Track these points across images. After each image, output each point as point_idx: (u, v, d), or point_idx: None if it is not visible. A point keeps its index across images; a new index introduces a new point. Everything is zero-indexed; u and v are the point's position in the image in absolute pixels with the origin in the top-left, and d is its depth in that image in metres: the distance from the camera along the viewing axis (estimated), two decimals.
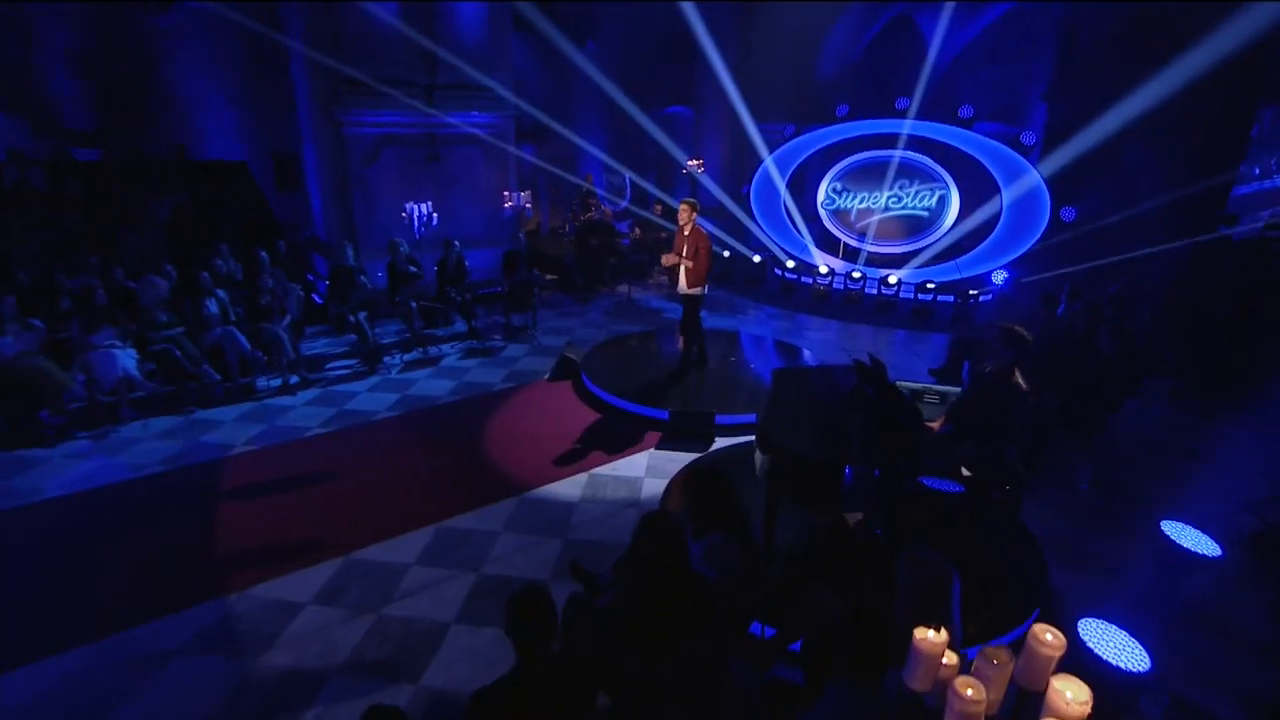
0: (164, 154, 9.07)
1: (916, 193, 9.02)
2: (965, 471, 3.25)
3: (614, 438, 4.97)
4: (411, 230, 8.34)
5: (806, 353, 6.38)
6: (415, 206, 8.31)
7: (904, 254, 9.18)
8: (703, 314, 5.78)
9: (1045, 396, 4.20)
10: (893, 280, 8.68)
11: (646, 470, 4.51)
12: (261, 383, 6.11)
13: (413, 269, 7.45)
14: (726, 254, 10.10)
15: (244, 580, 3.67)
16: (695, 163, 10.64)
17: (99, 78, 8.92)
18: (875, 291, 8.78)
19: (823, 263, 9.30)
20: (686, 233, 5.46)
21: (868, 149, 9.37)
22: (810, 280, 9.24)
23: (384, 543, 3.94)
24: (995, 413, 3.15)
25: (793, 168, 10.03)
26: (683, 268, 5.45)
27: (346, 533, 4.01)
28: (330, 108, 8.51)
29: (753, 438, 3.64)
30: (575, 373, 6.11)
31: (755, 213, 10.22)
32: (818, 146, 9.79)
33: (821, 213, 9.82)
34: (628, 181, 12.29)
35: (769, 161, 10.04)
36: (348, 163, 8.80)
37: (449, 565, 3.76)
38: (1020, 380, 3.23)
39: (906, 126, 8.89)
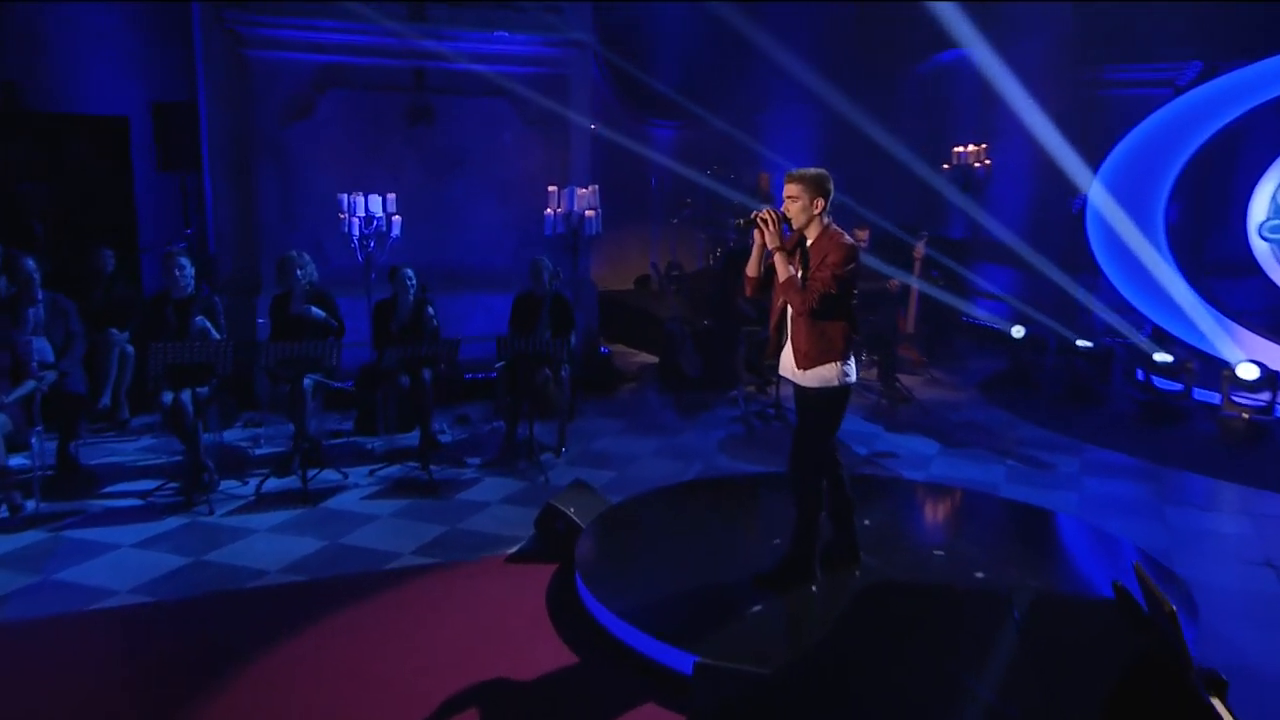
0: None
1: None
2: None
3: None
4: (350, 240, 8.44)
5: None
6: (358, 201, 8.37)
7: None
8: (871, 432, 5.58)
9: None
10: None
11: None
12: None
13: (314, 312, 7.44)
14: (1019, 333, 10.76)
15: None
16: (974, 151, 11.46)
17: None
18: None
19: (1250, 363, 9.31)
20: (806, 233, 5.06)
21: None
22: (1216, 398, 9.29)
23: None
24: None
25: (1189, 153, 10.49)
26: (787, 315, 5.14)
27: None
28: (224, 9, 8.90)
29: None
30: (566, 548, 5.95)
31: (1094, 247, 10.80)
32: (1253, 104, 10.13)
33: (1259, 247, 10.00)
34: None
35: (1136, 139, 10.69)
36: (253, 115, 9.26)
37: None
38: None
39: None
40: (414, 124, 9.65)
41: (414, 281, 7.78)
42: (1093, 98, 12.32)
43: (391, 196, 8.58)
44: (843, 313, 4.95)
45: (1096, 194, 10.84)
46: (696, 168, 13.09)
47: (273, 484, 7.06)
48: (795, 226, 4.97)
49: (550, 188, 9.20)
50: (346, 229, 8.43)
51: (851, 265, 4.84)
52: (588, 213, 9.14)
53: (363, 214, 8.41)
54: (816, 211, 4.92)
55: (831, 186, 5.00)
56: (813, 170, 5.01)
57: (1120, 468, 8.01)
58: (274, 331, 7.56)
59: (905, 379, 9.92)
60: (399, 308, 7.79)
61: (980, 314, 12.44)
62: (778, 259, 4.94)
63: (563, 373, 7.89)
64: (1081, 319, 10.95)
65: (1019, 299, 12.28)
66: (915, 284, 10.34)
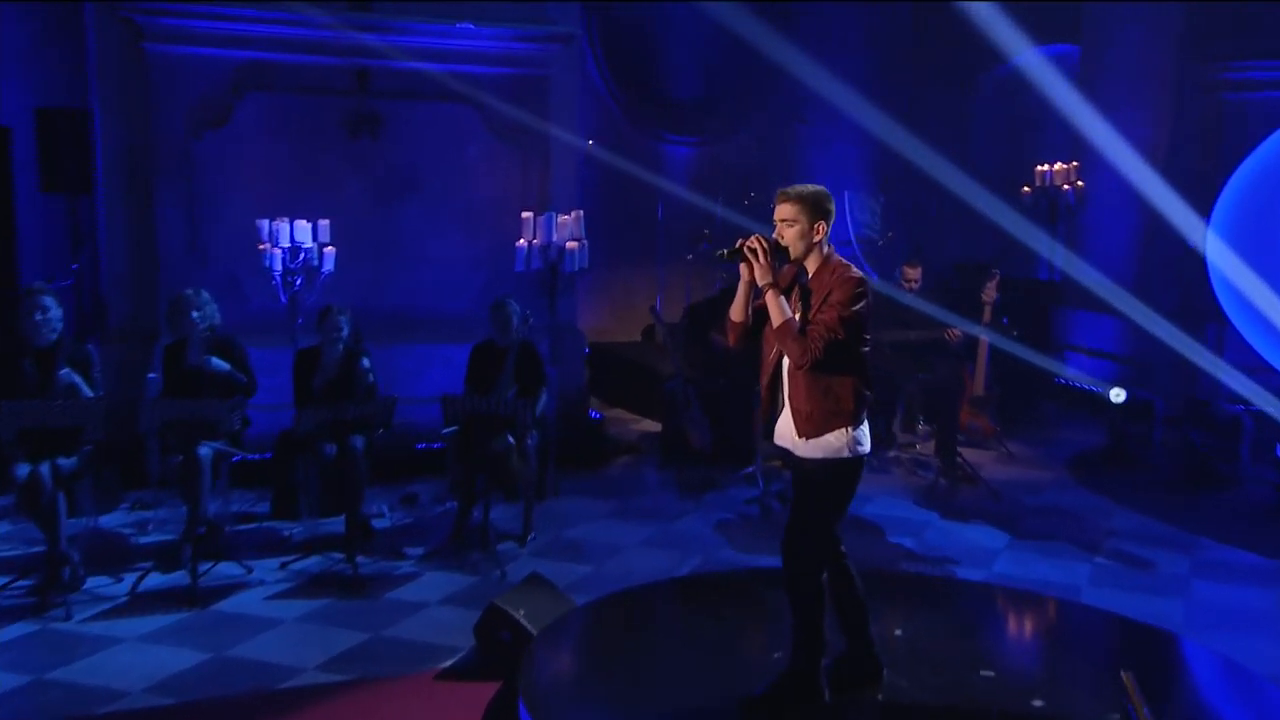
0: None
1: None
2: None
3: None
4: (270, 275, 8.52)
5: None
6: (282, 228, 8.48)
7: None
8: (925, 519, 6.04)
9: None
10: None
11: None
12: None
13: (215, 364, 7.49)
14: (1119, 397, 10.63)
15: None
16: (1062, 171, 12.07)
17: None
18: None
19: None
20: (804, 265, 5.09)
21: None
22: None
23: None
24: None
25: None
26: (782, 370, 5.24)
27: None
28: None
29: None
30: (512, 662, 5.92)
31: (1217, 290, 10.93)
32: None
33: None
34: (875, 211, 13.83)
35: (1270, 152, 10.90)
36: (155, 124, 9.40)
37: None
38: None
39: None
40: (356, 136, 9.67)
41: (346, 326, 7.80)
42: (1213, 103, 12.48)
43: (324, 223, 8.67)
44: (852, 364, 4.97)
45: (1220, 222, 10.86)
46: (719, 192, 13.22)
47: (155, 581, 6.99)
48: (793, 256, 5.01)
49: (524, 214, 9.24)
50: (267, 263, 8.46)
51: (861, 304, 4.85)
52: (569, 245, 9.16)
53: (287, 244, 8.46)
54: (817, 238, 4.94)
55: (833, 207, 5.04)
56: (810, 187, 5.06)
57: (1245, 570, 7.95)
58: (165, 387, 7.57)
59: (970, 454, 9.88)
60: (325, 358, 7.79)
61: (1071, 373, 12.37)
62: (770, 299, 4.94)
63: (529, 440, 7.92)
64: (1201, 381, 11.13)
65: (1120, 355, 12.22)
66: (984, 335, 10.23)
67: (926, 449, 10.20)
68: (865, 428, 5.00)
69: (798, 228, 4.94)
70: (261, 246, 8.52)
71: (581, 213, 9.37)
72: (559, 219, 9.19)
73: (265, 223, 8.49)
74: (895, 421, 10.54)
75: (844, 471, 5.03)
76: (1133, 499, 9.33)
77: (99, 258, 9.82)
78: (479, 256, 10.27)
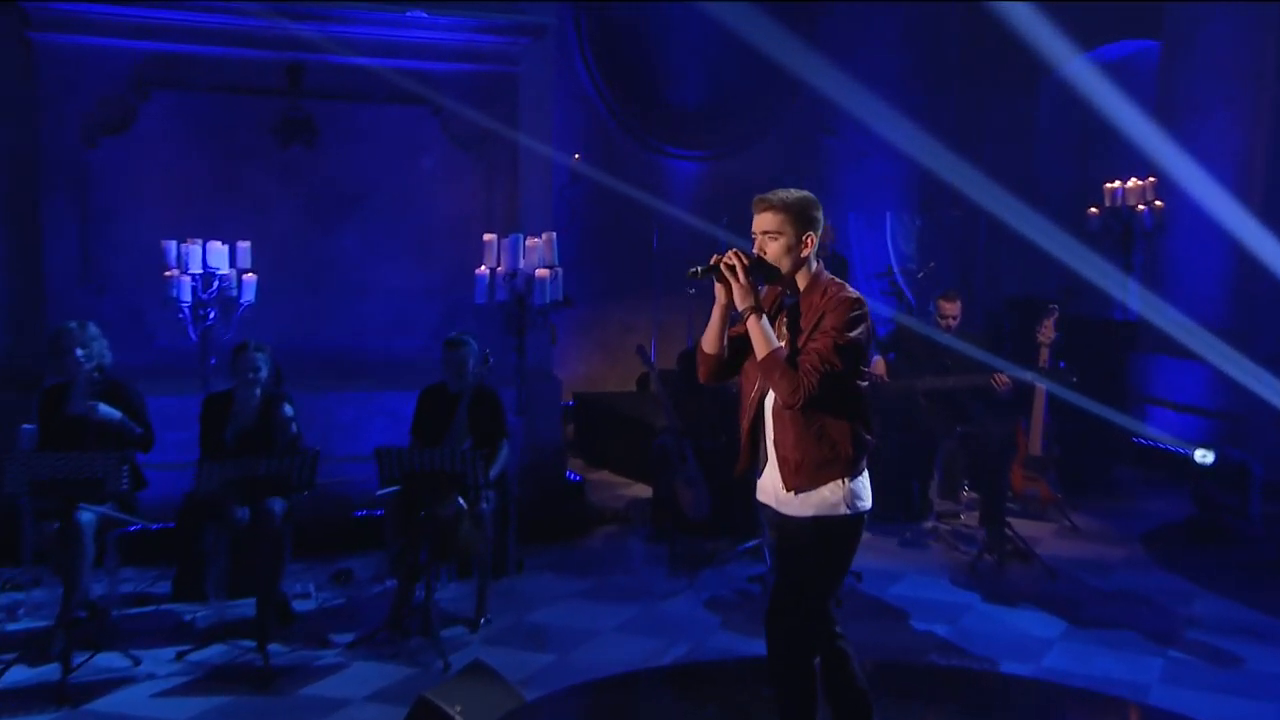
0: None
1: None
2: None
3: None
4: (178, 308, 8.56)
5: None
6: (192, 251, 8.53)
7: None
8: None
9: None
10: None
11: None
12: None
13: (103, 412, 7.44)
14: (1205, 458, 10.54)
15: None
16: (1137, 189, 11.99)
17: None
18: None
19: None
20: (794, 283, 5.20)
21: None
22: None
23: None
24: None
25: None
26: (765, 411, 5.26)
27: None
28: None
29: None
30: None
31: None
32: None
33: None
34: (911, 237, 14.23)
35: None
36: (43, 128, 9.49)
37: None
38: None
39: None
40: (287, 144, 9.73)
41: (264, 366, 7.79)
42: None
43: (244, 246, 8.74)
44: (849, 403, 4.96)
45: None
46: (727, 214, 13.11)
47: (19, 675, 6.87)
48: (779, 275, 5.03)
49: (486, 237, 9.29)
50: (175, 292, 8.46)
51: (859, 329, 4.85)
52: (540, 272, 9.19)
53: (199, 270, 8.47)
54: (805, 253, 4.95)
55: (822, 216, 5.08)
56: (796, 192, 5.07)
57: None
58: (42, 439, 7.53)
59: (1024, 526, 9.81)
60: (238, 404, 7.76)
61: (1151, 432, 12.28)
62: (752, 325, 4.93)
63: (484, 504, 7.89)
64: None
65: (1210, 410, 12.41)
66: (1042, 383, 10.10)
67: (970, 519, 10.11)
68: (865, 479, 4.97)
69: (782, 241, 4.94)
70: (168, 273, 8.52)
71: (554, 235, 9.41)
72: (527, 242, 9.20)
73: (173, 245, 8.49)
74: (933, 486, 10.48)
75: (841, 532, 4.98)
76: (1220, 582, 9.22)
77: None
78: (434, 287, 10.31)
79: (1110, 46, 14.62)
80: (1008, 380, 9.52)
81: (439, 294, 10.33)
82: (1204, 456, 10.30)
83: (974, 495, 10.08)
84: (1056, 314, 10.35)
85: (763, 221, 5.04)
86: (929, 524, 10.19)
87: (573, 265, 12.63)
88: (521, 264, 9.16)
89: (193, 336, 8.53)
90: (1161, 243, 12.37)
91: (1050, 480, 10.53)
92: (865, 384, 4.98)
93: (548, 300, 9.19)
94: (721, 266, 4.92)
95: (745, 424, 5.22)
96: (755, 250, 5.03)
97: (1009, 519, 9.44)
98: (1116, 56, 14.64)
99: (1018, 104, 15.28)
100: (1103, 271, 12.42)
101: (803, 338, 4.89)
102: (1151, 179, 12.05)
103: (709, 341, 5.12)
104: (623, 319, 13.67)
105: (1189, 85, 12.95)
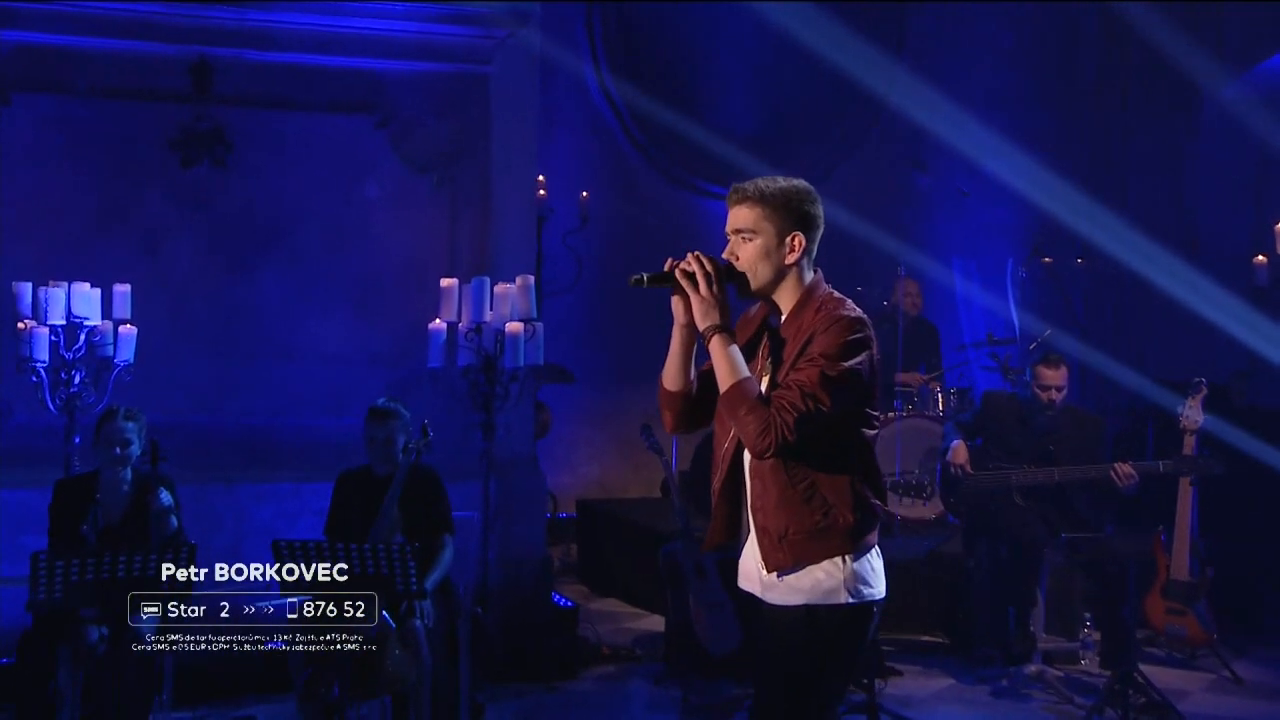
0: None
1: None
2: None
3: None
4: (31, 368, 8.54)
5: None
6: (54, 296, 8.53)
7: None
8: None
9: None
10: None
11: None
12: None
13: None
14: None
15: None
16: None
17: None
18: None
19: None
20: (775, 299, 5.13)
21: None
22: None
23: None
24: None
25: None
26: (743, 466, 5.22)
27: None
28: None
29: None
30: None
31: None
32: None
33: None
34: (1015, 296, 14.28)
35: None
36: None
37: None
38: None
39: None
40: (191, 163, 9.72)
41: (136, 440, 7.72)
42: None
43: (122, 290, 8.69)
44: (850, 456, 4.88)
45: None
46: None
47: None
48: (754, 286, 4.94)
49: (444, 283, 9.33)
50: (27, 350, 8.42)
51: (859, 358, 4.76)
52: (511, 327, 9.19)
53: (62, 320, 8.43)
54: (791, 259, 4.89)
55: (820, 211, 5.03)
56: (785, 181, 5.01)
57: None
58: None
59: (1163, 674, 9.61)
60: (103, 491, 7.64)
61: None
62: (715, 347, 4.83)
63: (418, 620, 7.76)
64: None
65: None
66: (1182, 474, 9.95)
67: (1091, 663, 9.92)
68: (876, 559, 4.88)
69: (759, 242, 4.86)
70: (22, 325, 8.49)
71: (531, 279, 9.47)
72: (496, 289, 9.20)
73: (27, 288, 8.48)
74: (1035, 616, 10.27)
75: (840, 627, 4.83)
76: None
77: None
78: (380, 349, 10.42)
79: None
80: (1132, 472, 9.32)
81: (385, 358, 10.42)
82: None
83: (1095, 632, 9.86)
84: (1205, 392, 10.08)
85: (735, 218, 4.96)
86: (1033, 668, 9.98)
87: (581, 336, 12.54)
88: (489, 316, 9.13)
89: (51, 407, 8.48)
90: None
91: (1201, 614, 10.16)
92: (874, 432, 4.84)
93: (522, 363, 9.15)
94: (677, 273, 4.80)
95: (717, 483, 5.10)
96: (726, 254, 4.94)
97: (1143, 665, 9.13)
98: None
99: (1172, 130, 15.23)
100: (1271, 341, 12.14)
101: (783, 369, 4.77)
102: None
103: (670, 376, 5.05)
104: (646, 408, 13.38)
105: None
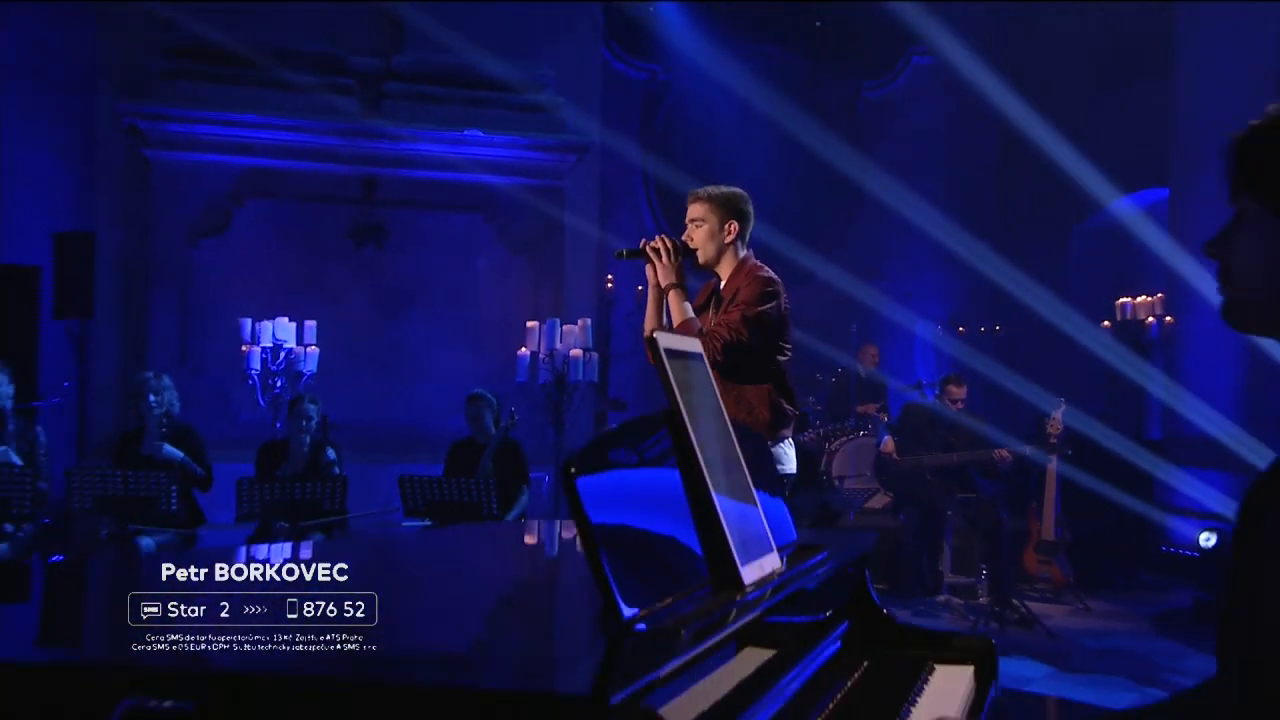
0: None
1: None
2: None
3: None
4: (248, 377, 8.75)
5: None
6: (264, 326, 8.71)
7: None
8: None
9: None
10: None
11: None
12: None
13: (168, 452, 7.51)
14: (1209, 541, 10.41)
15: None
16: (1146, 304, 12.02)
17: None
18: None
19: None
20: (718, 271, 5.19)
21: None
22: None
23: None
24: None
25: None
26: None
27: None
28: (119, 101, 9.38)
29: None
30: None
31: None
32: None
33: None
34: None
35: None
36: (154, 233, 9.65)
37: None
38: None
39: None
40: (361, 245, 9.83)
41: (315, 415, 7.91)
42: None
43: (310, 324, 8.78)
44: (766, 373, 4.89)
45: None
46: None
47: None
48: (701, 259, 4.97)
49: (529, 323, 9.34)
50: (246, 364, 8.61)
51: (770, 304, 4.79)
52: (573, 353, 9.19)
53: (269, 343, 8.59)
54: (729, 239, 4.90)
55: (750, 209, 5.03)
56: (726, 188, 5.05)
57: None
58: None
59: (1037, 606, 9.49)
60: (292, 449, 7.84)
61: (1176, 539, 11.68)
62: (672, 299, 4.90)
63: None
64: None
65: (1230, 516, 11.65)
66: (1053, 464, 9.92)
67: (984, 594, 9.78)
68: (788, 445, 4.90)
69: (706, 227, 4.89)
70: (244, 347, 8.62)
71: (589, 321, 9.39)
72: (563, 327, 9.24)
73: (248, 321, 8.61)
74: (943, 560, 10.07)
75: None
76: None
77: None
78: (487, 372, 10.15)
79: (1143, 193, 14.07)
80: (1008, 454, 9.26)
81: (491, 379, 9.82)
82: (1207, 540, 9.87)
83: (985, 571, 9.62)
84: (1063, 407, 10.02)
85: (690, 211, 5.02)
86: (941, 597, 9.75)
87: (637, 386, 12.45)
88: (559, 345, 9.14)
89: (260, 402, 8.60)
90: (1178, 355, 11.92)
91: (1062, 564, 10.04)
92: (784, 359, 4.90)
93: (582, 379, 9.17)
94: (648, 249, 4.91)
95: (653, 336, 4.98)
96: (684, 237, 5.00)
97: (1022, 600, 9.09)
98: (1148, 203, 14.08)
99: (1050, 249, 14.97)
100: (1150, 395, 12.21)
101: (720, 314, 4.88)
102: (1159, 295, 11.74)
103: (649, 320, 5.09)
104: None
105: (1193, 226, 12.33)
